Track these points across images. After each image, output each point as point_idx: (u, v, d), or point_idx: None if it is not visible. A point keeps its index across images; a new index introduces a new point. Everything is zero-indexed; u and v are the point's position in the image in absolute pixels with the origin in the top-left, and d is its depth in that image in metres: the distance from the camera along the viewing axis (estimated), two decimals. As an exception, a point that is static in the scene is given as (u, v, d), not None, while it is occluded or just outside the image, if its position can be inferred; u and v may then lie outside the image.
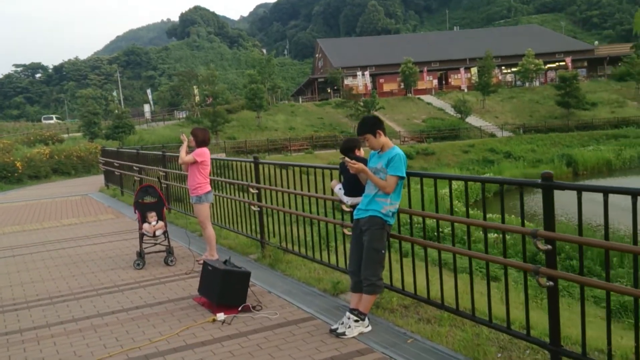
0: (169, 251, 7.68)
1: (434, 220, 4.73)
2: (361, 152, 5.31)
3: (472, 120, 56.42)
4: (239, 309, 5.52)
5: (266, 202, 7.59)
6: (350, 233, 5.65)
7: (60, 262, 8.21)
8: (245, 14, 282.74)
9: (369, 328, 4.80)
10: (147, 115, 62.68)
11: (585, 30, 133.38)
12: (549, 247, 3.63)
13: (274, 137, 45.80)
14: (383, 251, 4.76)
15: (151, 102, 70.05)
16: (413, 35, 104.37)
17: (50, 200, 17.11)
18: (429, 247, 4.88)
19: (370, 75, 67.71)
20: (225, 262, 5.87)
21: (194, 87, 52.98)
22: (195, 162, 7.38)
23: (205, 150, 7.46)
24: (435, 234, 4.93)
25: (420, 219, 5.35)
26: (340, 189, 5.31)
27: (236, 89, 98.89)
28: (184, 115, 56.05)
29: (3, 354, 4.76)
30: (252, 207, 7.68)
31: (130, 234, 10.05)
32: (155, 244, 7.85)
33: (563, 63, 74.31)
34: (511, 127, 54.86)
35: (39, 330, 5.31)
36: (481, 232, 8.09)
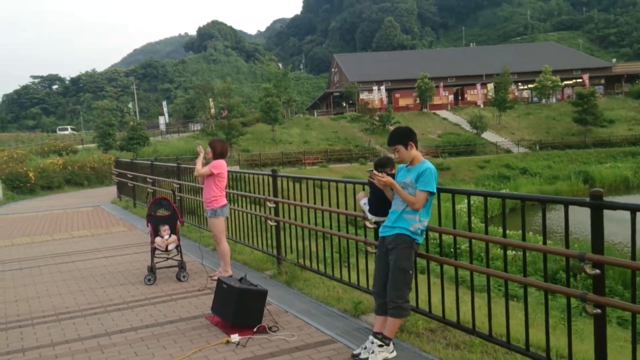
0: (182, 266, 7.40)
1: (460, 238, 4.39)
2: (393, 172, 4.99)
3: (488, 135, 55.91)
4: (255, 329, 5.20)
5: (283, 217, 7.29)
6: (374, 251, 5.34)
7: (68, 277, 7.95)
8: (262, 29, 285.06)
9: (394, 354, 4.46)
10: (162, 127, 62.88)
11: (603, 48, 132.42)
12: (597, 271, 3.28)
13: (288, 151, 45.62)
14: (410, 272, 4.42)
15: (166, 115, 70.37)
16: (429, 51, 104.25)
17: (62, 211, 16.95)
18: (459, 268, 4.53)
19: (386, 90, 67.55)
20: (240, 280, 5.56)
21: (210, 99, 53.08)
22: (211, 175, 7.12)
23: (222, 163, 7.20)
24: (456, 251, 4.59)
25: (446, 237, 5.03)
26: (365, 203, 4.99)
27: (251, 102, 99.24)
28: (199, 128, 56.16)
29: (3, 375, 4.47)
30: (269, 222, 7.37)
31: (142, 247, 9.78)
32: (168, 258, 7.57)
33: (580, 80, 73.65)
34: (527, 143, 54.27)
35: (43, 349, 5.02)
36: (499, 250, 7.79)
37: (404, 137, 4.52)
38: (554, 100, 70.08)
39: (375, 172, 4.51)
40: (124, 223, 13.16)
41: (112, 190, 23.11)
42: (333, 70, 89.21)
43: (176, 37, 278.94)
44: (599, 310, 3.27)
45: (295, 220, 6.98)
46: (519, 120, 62.02)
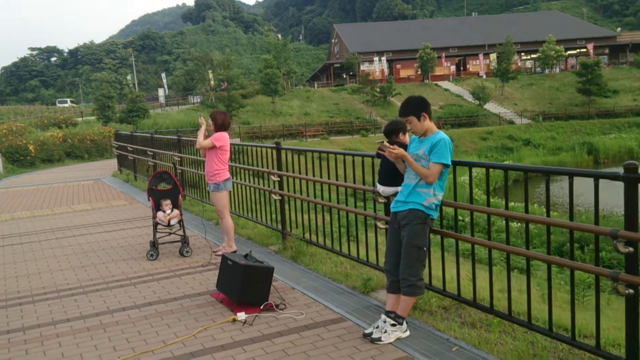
0: (185, 241, 7.22)
1: (474, 213, 4.18)
2: (406, 137, 4.76)
3: (491, 107, 55.41)
4: (261, 307, 5.04)
5: (288, 190, 7.09)
6: (384, 227, 5.16)
7: (69, 252, 7.78)
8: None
9: (407, 333, 4.30)
10: (162, 99, 62.34)
11: (606, 18, 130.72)
12: (631, 249, 3.08)
13: (289, 123, 45.22)
14: (425, 249, 4.23)
15: (166, 87, 69.68)
16: (431, 21, 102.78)
17: (62, 185, 16.76)
18: (476, 245, 4.33)
19: (387, 60, 66.71)
20: (246, 256, 5.37)
21: (209, 71, 52.44)
22: (213, 147, 6.89)
23: (224, 135, 6.96)
24: (473, 226, 4.39)
25: (462, 212, 4.82)
26: (383, 191, 4.79)
27: (251, 74, 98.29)
28: (198, 100, 55.63)
29: (3, 356, 4.31)
30: (273, 196, 7.17)
31: (144, 221, 9.61)
32: (170, 233, 7.39)
33: (584, 50, 72.63)
34: (530, 114, 53.79)
35: (44, 328, 4.86)
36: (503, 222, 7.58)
37: (417, 107, 4.29)
38: (557, 70, 69.25)
39: (386, 143, 4.29)
40: (125, 196, 12.97)
41: (113, 163, 22.90)
42: (333, 41, 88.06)
43: (174, 7, 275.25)
44: (631, 291, 3.08)
45: (300, 194, 6.79)
46: (522, 91, 61.40)
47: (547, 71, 68.48)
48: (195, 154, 9.99)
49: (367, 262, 5.61)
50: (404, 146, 4.47)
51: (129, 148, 15.21)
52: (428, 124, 4.32)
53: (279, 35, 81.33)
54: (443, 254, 4.61)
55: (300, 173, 6.71)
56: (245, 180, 8.31)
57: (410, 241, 4.20)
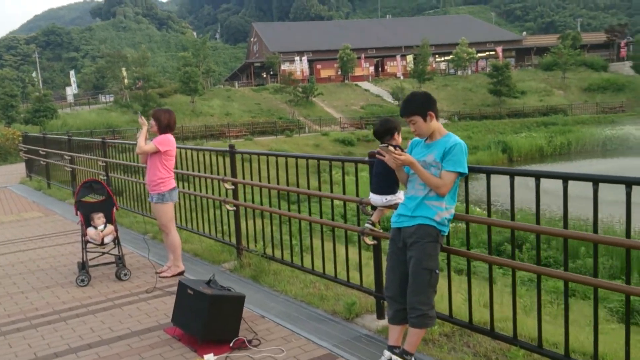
0: (121, 262, 6.19)
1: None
2: (399, 138, 4.10)
3: (410, 107, 56.35)
4: (231, 345, 4.20)
5: (244, 200, 6.25)
6: (372, 243, 4.47)
7: (-23, 278, 6.51)
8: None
9: (417, 371, 3.63)
10: (70, 98, 58.53)
11: (509, 22, 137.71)
12: None
13: (210, 123, 43.66)
14: (437, 271, 3.57)
15: (75, 85, 65.63)
16: (349, 22, 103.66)
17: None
18: (494, 265, 3.72)
19: (308, 60, 66.34)
20: (209, 283, 4.50)
21: (123, 69, 49.76)
22: (157, 152, 5.92)
23: (169, 138, 6.02)
24: (491, 244, 3.79)
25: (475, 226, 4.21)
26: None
27: (166, 73, 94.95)
28: (111, 99, 52.68)
29: None
30: (227, 207, 6.29)
31: (65, 237, 8.37)
32: (103, 253, 6.32)
33: (493, 52, 75.70)
34: (446, 114, 55.13)
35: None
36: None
37: (422, 105, 3.63)
38: (469, 72, 71.69)
39: (390, 147, 3.59)
40: (39, 207, 11.47)
41: (20, 168, 20.78)
42: (252, 40, 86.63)
43: (81, 2, 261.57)
44: None
45: (261, 204, 5.97)
46: (438, 92, 62.83)
47: (460, 73, 70.74)
48: (125, 158, 8.88)
49: (349, 283, 4.87)
50: (398, 146, 3.83)
51: (40, 152, 13.63)
52: (435, 124, 3.68)
53: (194, 33, 79.02)
54: (450, 274, 3.97)
55: (260, 180, 5.89)
56: (187, 188, 7.35)
57: (420, 262, 3.53)
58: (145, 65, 48.16)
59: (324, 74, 67.40)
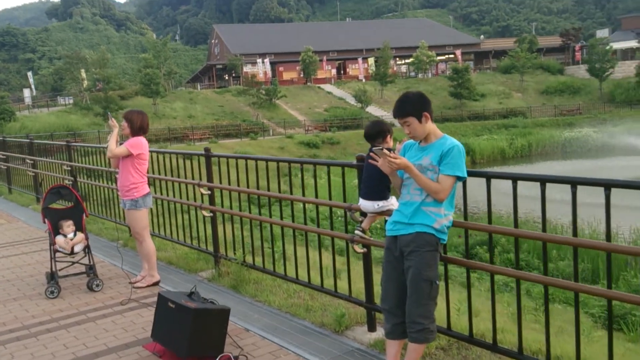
0: (93, 272, 5.89)
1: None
2: (391, 142, 3.98)
3: (372, 110, 56.58)
4: (217, 361, 4.00)
5: (222, 205, 6.03)
6: (362, 251, 4.33)
7: None
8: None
9: (419, 389, 3.49)
10: (28, 100, 56.63)
11: (466, 26, 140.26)
12: None
13: (173, 126, 42.88)
14: (437, 282, 3.45)
15: (33, 87, 63.53)
16: (310, 24, 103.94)
17: None
18: (499, 274, 3.62)
19: (270, 63, 65.99)
20: (191, 295, 4.28)
21: (82, 70, 48.43)
22: (129, 156, 5.65)
23: (142, 141, 5.75)
24: (492, 252, 3.70)
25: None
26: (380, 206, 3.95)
27: (125, 75, 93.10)
28: (70, 101, 51.18)
29: None
30: (204, 213, 6.06)
31: (31, 244, 7.95)
32: (73, 262, 6.01)
33: (452, 56, 76.83)
34: (410, 116, 55.65)
35: None
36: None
37: (416, 105, 3.52)
38: (429, 75, 72.57)
39: (385, 150, 3.45)
40: (0, 213, 10.92)
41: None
42: (213, 41, 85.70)
43: (36, 3, 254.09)
44: None
45: (240, 209, 5.76)
46: (399, 95, 63.26)
47: (420, 75, 71.53)
48: (93, 161, 8.52)
49: (337, 293, 4.71)
50: (389, 149, 3.73)
51: (0, 156, 13.03)
52: (430, 126, 3.56)
53: (154, 35, 77.61)
54: (447, 283, 3.85)
55: (239, 185, 5.68)
56: (160, 193, 7.07)
57: (420, 273, 3.40)
58: (105, 67, 47.00)
59: (287, 76, 67.17)
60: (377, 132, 3.94)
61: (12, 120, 38.36)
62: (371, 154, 3.60)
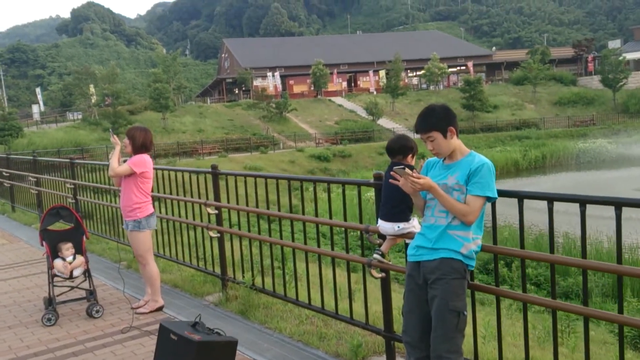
0: (93, 297, 5.57)
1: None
2: (413, 161, 3.63)
3: (383, 122, 56.30)
4: (223, 398, 3.64)
5: (230, 226, 5.70)
6: (380, 276, 3.98)
7: None
8: (143, 12, 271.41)
9: None
10: (36, 116, 56.96)
11: (477, 38, 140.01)
12: None
13: (182, 140, 42.83)
14: (465, 312, 3.09)
15: (41, 103, 63.97)
16: (320, 38, 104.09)
17: None
18: (531, 304, 3.25)
19: (280, 76, 66.05)
20: (195, 326, 3.94)
21: (91, 85, 48.61)
22: (132, 174, 5.35)
23: (145, 158, 5.45)
24: (525, 278, 3.33)
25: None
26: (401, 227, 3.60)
27: (135, 89, 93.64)
28: (79, 117, 51.39)
29: None
30: (210, 233, 5.73)
31: (32, 267, 7.65)
32: (72, 287, 5.69)
33: (464, 67, 76.58)
34: (422, 129, 55.26)
35: None
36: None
37: (442, 119, 3.18)
38: (441, 87, 72.27)
39: (407, 170, 3.11)
40: (2, 233, 10.61)
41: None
42: (223, 55, 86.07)
43: (47, 19, 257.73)
44: None
45: (248, 230, 5.42)
46: (411, 107, 63.12)
47: (432, 88, 71.23)
48: (97, 179, 8.24)
49: (352, 320, 4.35)
50: (410, 167, 3.41)
51: (4, 173, 12.82)
52: (456, 142, 3.24)
53: (164, 50, 78.07)
54: (475, 312, 3.49)
55: (247, 200, 5.36)
56: (165, 212, 6.74)
57: (447, 303, 3.04)
58: (114, 82, 47.17)
59: (297, 89, 67.14)
60: (399, 147, 3.60)
61: (19, 136, 38.49)
62: (392, 173, 3.26)
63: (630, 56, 68.08)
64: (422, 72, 69.82)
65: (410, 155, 3.60)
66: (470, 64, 75.85)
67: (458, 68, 77.63)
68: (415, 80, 75.50)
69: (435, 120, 3.19)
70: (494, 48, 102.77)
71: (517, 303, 7.56)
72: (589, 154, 43.41)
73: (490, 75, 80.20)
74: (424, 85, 72.82)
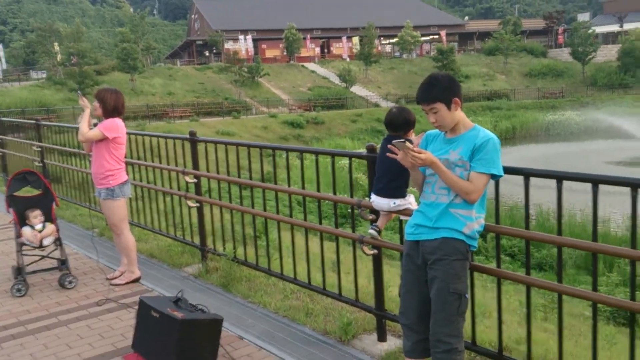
0: (65, 267, 5.32)
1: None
2: (412, 136, 3.45)
3: (357, 89, 55.94)
4: (208, 378, 3.49)
5: (209, 196, 5.48)
6: (372, 252, 3.83)
7: None
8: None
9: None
10: (-2, 74, 54.80)
11: (449, 7, 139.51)
12: None
13: (152, 103, 41.79)
14: (467, 295, 2.97)
15: (3, 60, 61.50)
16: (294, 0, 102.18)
17: None
18: (535, 287, 3.15)
19: (253, 40, 64.74)
20: (177, 302, 3.75)
21: (55, 44, 46.80)
22: (104, 139, 5.05)
23: (118, 123, 5.13)
24: (529, 260, 3.23)
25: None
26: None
27: (101, 49, 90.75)
28: (44, 75, 49.57)
29: None
30: (189, 203, 5.50)
31: (-3, 233, 7.31)
32: (43, 257, 5.42)
33: (437, 36, 76.27)
34: (394, 97, 55.14)
35: None
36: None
37: (446, 90, 2.98)
38: (414, 55, 71.99)
39: (408, 144, 2.91)
40: (-36, 196, 10.20)
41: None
42: (193, 16, 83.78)
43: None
44: None
45: (229, 200, 5.22)
46: (384, 75, 62.87)
47: (405, 56, 70.89)
48: (66, 141, 7.86)
49: (341, 297, 4.22)
50: (409, 141, 3.21)
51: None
52: (460, 114, 3.06)
53: (131, 9, 75.53)
54: (473, 294, 3.38)
55: (228, 167, 5.14)
56: (139, 179, 6.45)
57: (447, 285, 2.91)
58: (79, 41, 45.48)
59: (270, 54, 66.06)
60: (403, 122, 3.39)
61: (-21, 95, 37.03)
62: (389, 146, 3.06)
63: (599, 29, 68.70)
64: (396, 40, 69.40)
65: (411, 130, 3.42)
66: (443, 33, 75.47)
67: (431, 37, 77.30)
68: (388, 48, 75.04)
69: (439, 90, 2.98)
70: (466, 17, 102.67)
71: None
72: (558, 126, 44.04)
73: (462, 45, 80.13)
74: (397, 54, 72.46)
